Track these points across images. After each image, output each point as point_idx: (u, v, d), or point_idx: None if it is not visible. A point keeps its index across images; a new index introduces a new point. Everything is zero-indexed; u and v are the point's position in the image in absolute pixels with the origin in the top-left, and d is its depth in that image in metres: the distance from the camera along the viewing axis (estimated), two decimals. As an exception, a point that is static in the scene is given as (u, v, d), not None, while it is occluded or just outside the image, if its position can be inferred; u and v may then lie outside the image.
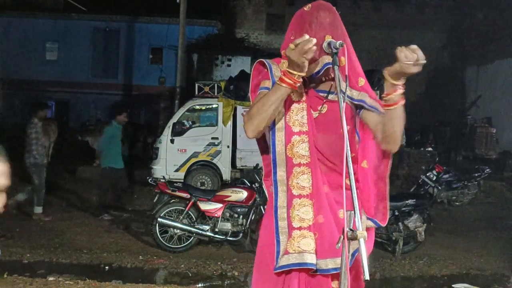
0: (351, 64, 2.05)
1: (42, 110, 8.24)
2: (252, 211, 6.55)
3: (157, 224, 6.59)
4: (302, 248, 2.00)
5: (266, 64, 2.12)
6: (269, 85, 2.06)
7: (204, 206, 6.59)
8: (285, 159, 2.07)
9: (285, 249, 2.02)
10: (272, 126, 2.06)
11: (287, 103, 2.05)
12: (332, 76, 2.08)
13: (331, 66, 1.94)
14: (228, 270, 5.95)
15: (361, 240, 1.64)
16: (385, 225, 2.19)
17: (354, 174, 1.94)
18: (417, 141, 15.40)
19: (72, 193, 10.60)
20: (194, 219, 6.63)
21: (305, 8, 2.12)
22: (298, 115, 2.06)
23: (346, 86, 1.98)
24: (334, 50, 1.91)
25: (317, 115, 2.08)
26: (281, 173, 2.08)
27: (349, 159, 1.74)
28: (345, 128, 1.76)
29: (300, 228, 2.03)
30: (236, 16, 22.65)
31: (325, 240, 2.01)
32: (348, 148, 1.74)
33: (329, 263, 2.00)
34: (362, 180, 2.14)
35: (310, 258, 1.98)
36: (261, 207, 6.51)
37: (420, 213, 6.83)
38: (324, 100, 2.08)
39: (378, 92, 9.46)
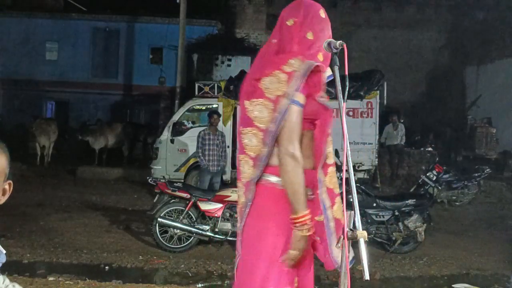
0: None
1: (211, 117, 8.49)
2: (252, 211, 6.55)
3: (157, 224, 6.58)
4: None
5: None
6: (301, 100, 2.04)
7: (204, 206, 6.59)
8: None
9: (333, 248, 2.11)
10: None
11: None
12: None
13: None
14: (228, 270, 5.94)
15: (361, 240, 1.65)
16: None
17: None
18: (417, 141, 15.39)
19: (72, 193, 10.59)
20: (194, 219, 6.63)
21: (322, 15, 2.15)
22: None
23: (347, 85, 1.98)
24: (334, 50, 1.92)
25: None
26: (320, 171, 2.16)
27: (349, 159, 1.75)
28: (345, 127, 1.77)
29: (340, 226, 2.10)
30: (236, 16, 22.61)
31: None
32: (348, 148, 1.75)
33: None
34: None
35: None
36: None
37: (420, 213, 6.83)
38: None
39: (378, 92, 9.57)
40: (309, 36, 2.10)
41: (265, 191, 2.09)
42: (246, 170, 2.11)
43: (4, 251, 1.41)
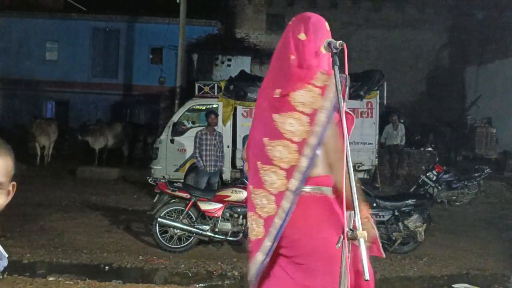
0: None
1: (208, 117, 8.44)
2: (252, 211, 6.54)
3: (157, 224, 6.58)
4: None
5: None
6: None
7: (204, 206, 6.59)
8: None
9: None
10: None
11: None
12: None
13: None
14: (228, 270, 5.95)
15: (361, 240, 1.65)
16: None
17: None
18: (417, 141, 15.39)
19: (72, 193, 10.59)
20: (194, 219, 6.63)
21: (328, 28, 2.23)
22: None
23: (347, 86, 1.99)
24: (334, 50, 1.92)
25: None
26: None
27: (349, 159, 1.75)
28: (345, 127, 1.78)
29: None
30: (236, 16, 22.63)
31: None
32: (348, 148, 1.75)
33: None
34: None
35: None
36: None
37: (420, 213, 6.83)
38: None
39: (378, 92, 9.60)
40: (323, 50, 2.14)
41: (315, 201, 2.14)
42: (276, 180, 2.14)
43: (6, 255, 1.41)
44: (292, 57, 2.17)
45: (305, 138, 2.07)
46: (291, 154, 2.10)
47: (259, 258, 2.16)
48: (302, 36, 2.17)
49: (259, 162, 2.21)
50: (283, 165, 2.12)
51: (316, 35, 2.17)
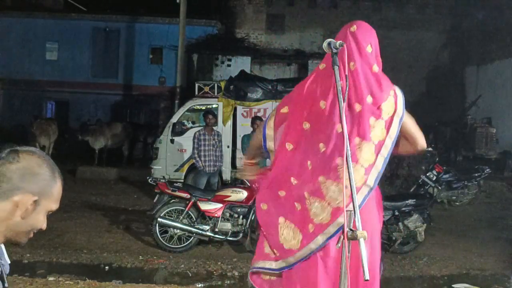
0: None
1: (206, 117, 8.41)
2: (252, 211, 6.55)
3: (157, 224, 6.59)
4: None
5: None
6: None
7: (204, 206, 6.59)
8: None
9: None
10: None
11: None
12: None
13: None
14: (228, 270, 5.95)
15: (361, 240, 1.65)
16: None
17: None
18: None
19: (72, 193, 10.59)
20: (194, 219, 6.63)
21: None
22: None
23: (347, 86, 1.99)
24: (334, 50, 1.92)
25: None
26: None
27: (349, 159, 1.75)
28: (345, 127, 1.78)
29: None
30: (236, 16, 22.62)
31: None
32: (348, 148, 1.75)
33: None
34: None
35: None
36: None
37: (420, 213, 6.83)
38: None
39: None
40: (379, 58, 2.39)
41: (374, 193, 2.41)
42: (356, 177, 2.30)
43: (9, 261, 1.40)
44: (376, 67, 2.35)
45: (382, 141, 2.32)
46: (370, 154, 2.33)
47: (319, 240, 2.34)
48: (369, 48, 2.34)
49: (340, 158, 2.36)
50: (364, 164, 2.33)
51: (377, 46, 2.40)
